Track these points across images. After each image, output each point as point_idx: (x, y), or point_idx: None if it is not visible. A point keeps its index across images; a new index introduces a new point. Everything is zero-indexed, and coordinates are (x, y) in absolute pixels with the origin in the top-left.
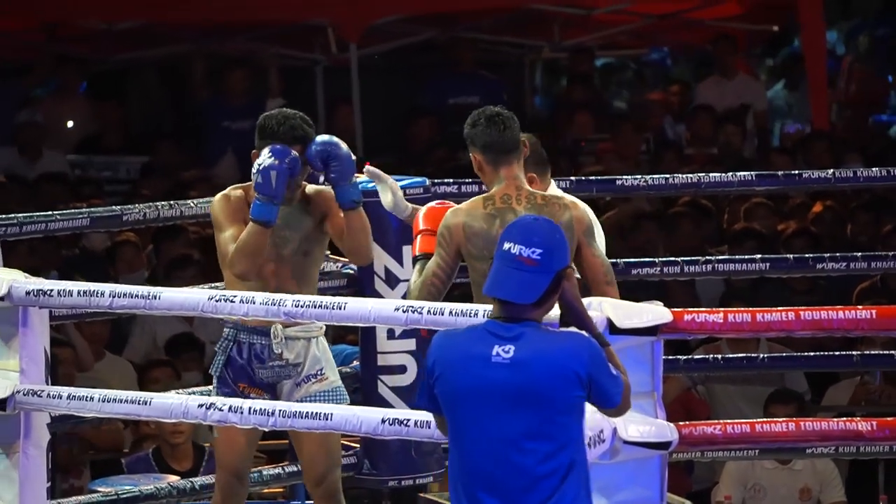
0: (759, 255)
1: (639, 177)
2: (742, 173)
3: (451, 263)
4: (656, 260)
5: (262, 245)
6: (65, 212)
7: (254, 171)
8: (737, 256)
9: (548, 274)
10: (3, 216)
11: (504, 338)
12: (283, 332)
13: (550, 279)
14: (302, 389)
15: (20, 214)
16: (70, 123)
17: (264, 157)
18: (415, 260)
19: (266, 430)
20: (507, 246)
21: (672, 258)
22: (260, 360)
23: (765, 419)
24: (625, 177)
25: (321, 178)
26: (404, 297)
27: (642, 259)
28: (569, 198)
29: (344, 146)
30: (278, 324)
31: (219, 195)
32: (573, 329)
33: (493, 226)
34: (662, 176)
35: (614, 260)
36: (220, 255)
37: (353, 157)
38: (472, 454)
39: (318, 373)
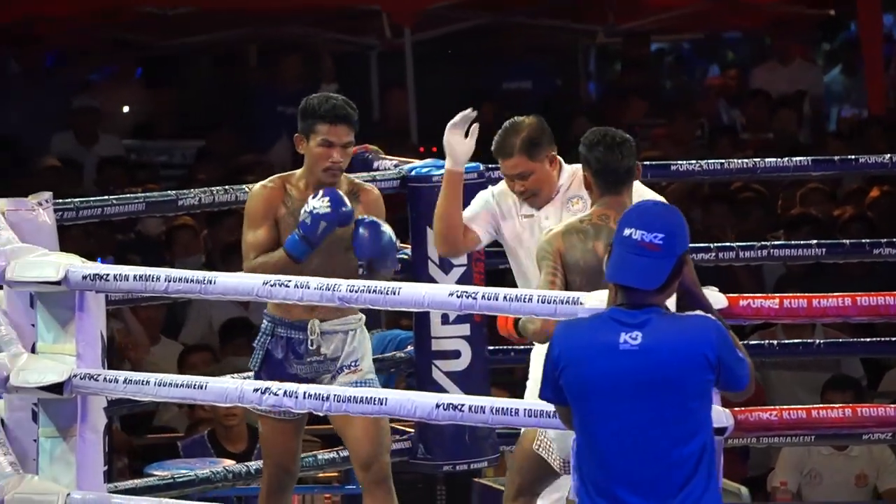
0: (815, 241)
1: (693, 162)
2: (798, 158)
3: (562, 277)
4: (711, 245)
5: (284, 271)
6: (121, 196)
7: (307, 208)
8: (793, 242)
9: (670, 258)
10: (60, 201)
11: (630, 325)
12: (319, 327)
13: (673, 263)
14: (335, 381)
15: (76, 199)
16: (126, 108)
17: (319, 202)
18: None
19: (321, 414)
20: (627, 232)
21: (728, 243)
22: (297, 355)
23: (821, 405)
24: (679, 162)
25: (374, 162)
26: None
27: (697, 244)
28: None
29: (386, 239)
30: (316, 319)
31: (256, 187)
32: (698, 312)
33: (590, 239)
34: (717, 161)
35: None
36: (244, 248)
37: (396, 244)
38: (603, 442)
39: (353, 364)
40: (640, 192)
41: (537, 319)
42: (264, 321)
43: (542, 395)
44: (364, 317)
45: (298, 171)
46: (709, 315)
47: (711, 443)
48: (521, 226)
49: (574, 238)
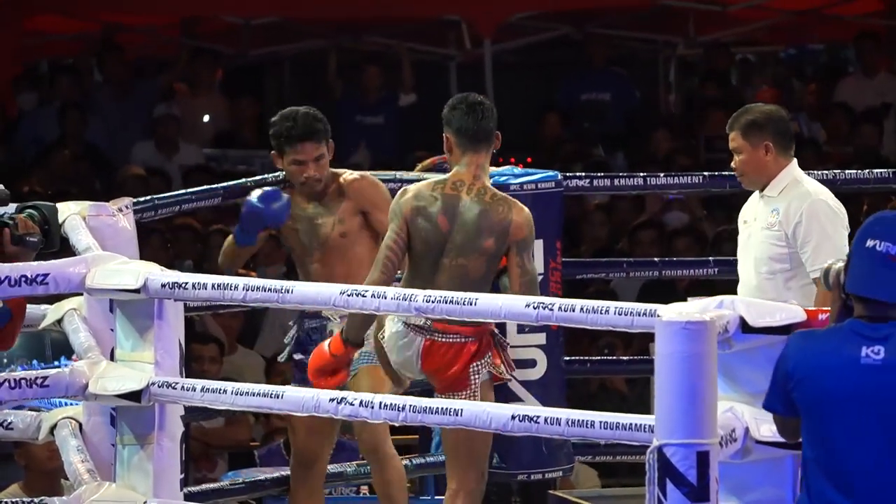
0: None
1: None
2: (879, 170)
3: (405, 237)
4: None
5: (233, 255)
6: (197, 190)
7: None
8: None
9: None
10: (140, 199)
11: (872, 338)
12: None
13: None
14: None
15: (156, 196)
16: (206, 118)
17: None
18: None
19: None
20: (871, 243)
21: None
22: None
23: None
24: None
25: None
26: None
27: None
28: (517, 203)
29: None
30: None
31: None
32: None
33: (434, 206)
34: None
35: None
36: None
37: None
38: (840, 458)
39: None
40: (526, 215)
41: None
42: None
43: (769, 406)
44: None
45: None
46: None
47: None
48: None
49: (422, 208)
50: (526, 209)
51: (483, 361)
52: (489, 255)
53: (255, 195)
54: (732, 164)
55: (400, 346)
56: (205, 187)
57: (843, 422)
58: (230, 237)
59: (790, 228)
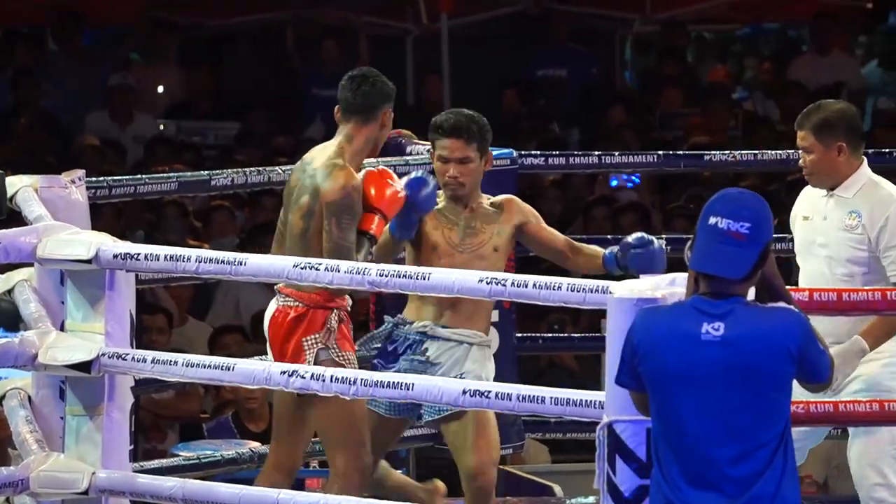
0: None
1: (727, 152)
2: None
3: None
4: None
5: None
6: (153, 175)
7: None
8: None
9: (756, 247)
10: (93, 179)
11: (712, 315)
12: (430, 329)
13: (758, 253)
14: None
15: (109, 178)
16: (161, 88)
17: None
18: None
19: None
20: (713, 220)
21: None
22: (400, 352)
23: (847, 399)
24: (713, 152)
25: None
26: None
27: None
28: (346, 173)
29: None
30: (428, 321)
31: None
32: (781, 304)
33: (294, 174)
34: (751, 152)
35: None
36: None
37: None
38: (682, 430)
39: (458, 377)
40: (354, 184)
41: None
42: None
43: (619, 381)
44: (490, 339)
45: None
46: (791, 307)
47: (790, 433)
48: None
49: (289, 180)
50: (350, 181)
51: (317, 337)
52: (304, 213)
53: (402, 183)
54: (801, 163)
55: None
56: (161, 175)
57: (682, 395)
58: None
59: (874, 233)
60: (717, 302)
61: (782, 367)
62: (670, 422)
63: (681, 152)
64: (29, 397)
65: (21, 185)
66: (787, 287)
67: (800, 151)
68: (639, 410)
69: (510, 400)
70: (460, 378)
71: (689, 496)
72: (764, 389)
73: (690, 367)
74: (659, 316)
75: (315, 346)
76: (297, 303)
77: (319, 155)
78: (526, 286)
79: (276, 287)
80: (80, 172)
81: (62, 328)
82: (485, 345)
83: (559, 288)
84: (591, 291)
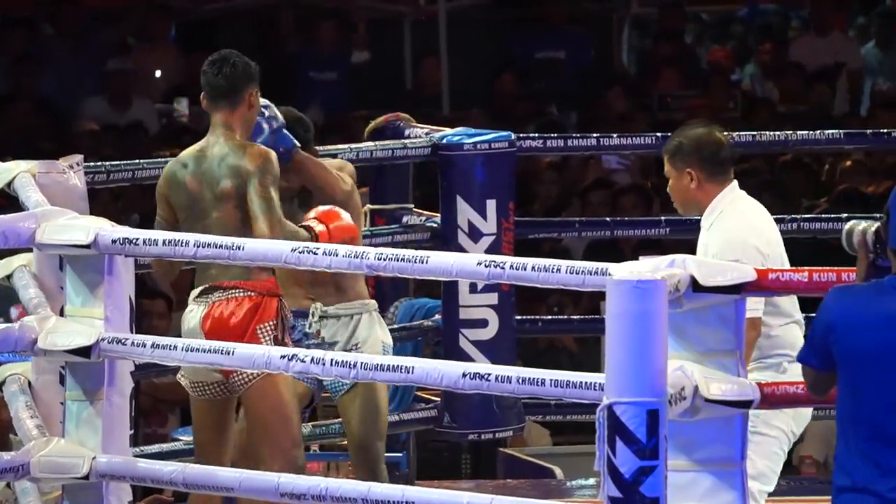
0: (845, 214)
1: (726, 133)
2: (830, 131)
3: (167, 216)
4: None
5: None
6: (151, 160)
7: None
8: (822, 216)
9: None
10: (92, 164)
11: None
12: (320, 311)
13: None
14: None
15: (107, 163)
16: (158, 73)
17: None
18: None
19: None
20: None
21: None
22: (297, 341)
23: None
24: None
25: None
26: None
27: None
28: (255, 147)
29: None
30: (318, 303)
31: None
32: None
33: (182, 173)
34: (749, 133)
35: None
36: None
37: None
38: (876, 411)
39: (353, 349)
40: (266, 158)
41: None
42: None
43: (803, 359)
44: (374, 303)
45: None
46: None
47: None
48: None
49: (171, 182)
50: (265, 151)
51: (269, 325)
52: (234, 200)
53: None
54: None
55: (188, 328)
56: (159, 159)
57: (879, 376)
58: None
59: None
60: None
61: None
62: (863, 402)
63: None
64: (29, 382)
65: (19, 171)
66: (787, 268)
67: None
68: (813, 391)
69: (510, 382)
70: (355, 349)
71: (875, 480)
72: None
73: (889, 347)
74: (855, 296)
75: (269, 334)
76: (249, 292)
77: (210, 148)
78: (525, 269)
79: (206, 286)
80: (78, 158)
81: (62, 313)
82: (371, 309)
83: (558, 270)
84: (591, 274)
